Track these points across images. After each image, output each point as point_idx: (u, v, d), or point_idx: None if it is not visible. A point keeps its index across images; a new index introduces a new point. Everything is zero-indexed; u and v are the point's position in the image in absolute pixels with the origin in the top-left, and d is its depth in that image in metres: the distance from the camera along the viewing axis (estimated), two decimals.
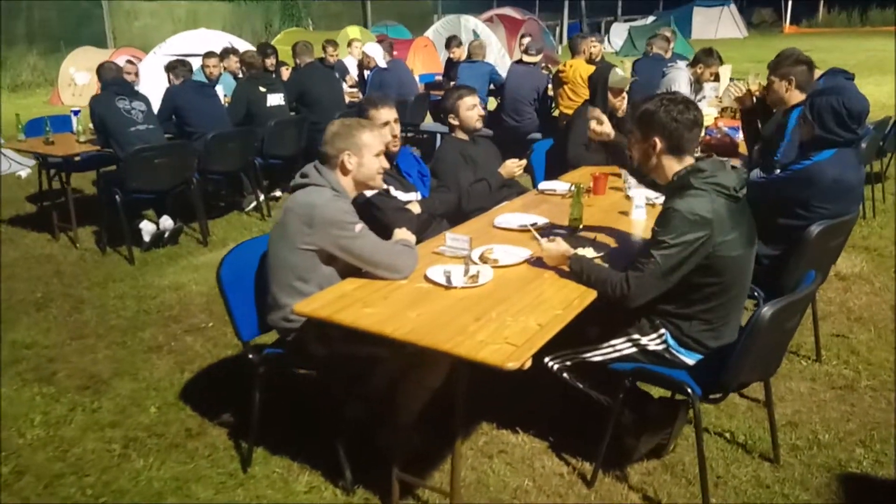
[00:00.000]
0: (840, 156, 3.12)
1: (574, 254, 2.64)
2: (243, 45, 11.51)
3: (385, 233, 2.94)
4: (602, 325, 2.69)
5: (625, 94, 4.59)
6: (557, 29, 28.57)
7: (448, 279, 2.55)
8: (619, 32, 25.19)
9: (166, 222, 5.59)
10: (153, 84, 8.68)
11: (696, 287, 2.46)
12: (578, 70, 7.08)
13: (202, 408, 3.30)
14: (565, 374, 2.76)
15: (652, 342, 2.59)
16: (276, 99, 6.42)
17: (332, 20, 23.75)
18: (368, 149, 2.65)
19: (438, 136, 8.17)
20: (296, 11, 22.83)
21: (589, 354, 2.69)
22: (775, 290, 3.29)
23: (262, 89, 6.37)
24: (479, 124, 3.97)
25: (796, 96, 4.00)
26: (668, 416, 2.85)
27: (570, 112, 6.95)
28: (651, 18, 25.53)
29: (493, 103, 8.52)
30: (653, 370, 2.58)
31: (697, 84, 6.13)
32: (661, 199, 3.16)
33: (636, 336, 2.61)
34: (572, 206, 3.14)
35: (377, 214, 3.24)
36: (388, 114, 3.30)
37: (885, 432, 3.08)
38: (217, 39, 11.25)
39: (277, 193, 6.95)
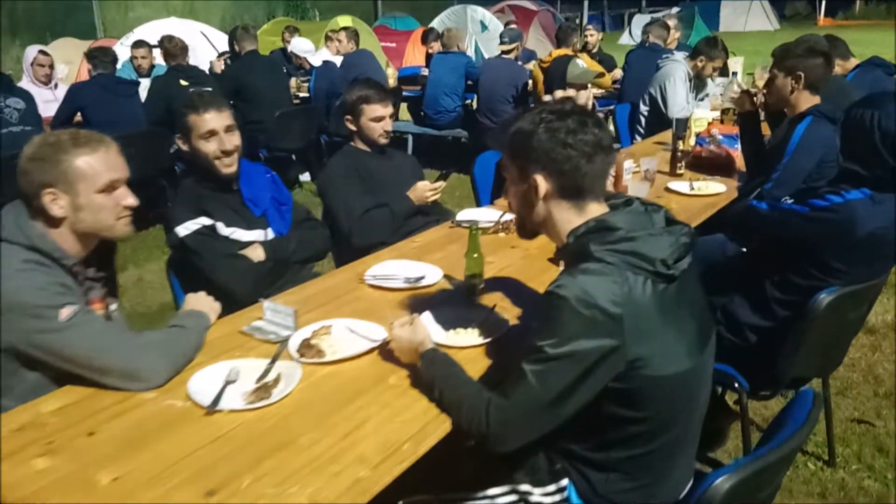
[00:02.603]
0: (880, 198, 2.09)
1: (428, 350, 1.67)
2: (221, 37, 10.69)
3: (208, 288, 2.03)
4: (480, 461, 1.72)
5: (589, 92, 3.60)
6: (578, 21, 27.39)
7: (219, 394, 1.59)
8: (640, 24, 23.91)
9: None
10: None
11: (611, 422, 1.48)
12: None
13: None
14: None
15: (547, 497, 1.61)
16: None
17: (341, 11, 22.78)
18: (88, 182, 1.69)
19: (410, 138, 7.23)
20: (301, 1, 21.91)
21: None
22: (765, 379, 2.30)
23: (184, 83, 5.46)
24: (382, 140, 3.00)
25: (806, 99, 2.98)
26: None
27: None
28: (675, 9, 24.16)
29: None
30: None
31: (698, 80, 5.07)
32: None
33: (525, 487, 1.62)
34: (467, 255, 2.16)
35: (196, 262, 2.31)
36: (214, 120, 2.35)
37: None
38: (189, 29, 10.41)
39: None
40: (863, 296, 2.15)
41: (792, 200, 2.18)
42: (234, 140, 2.38)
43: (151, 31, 10.47)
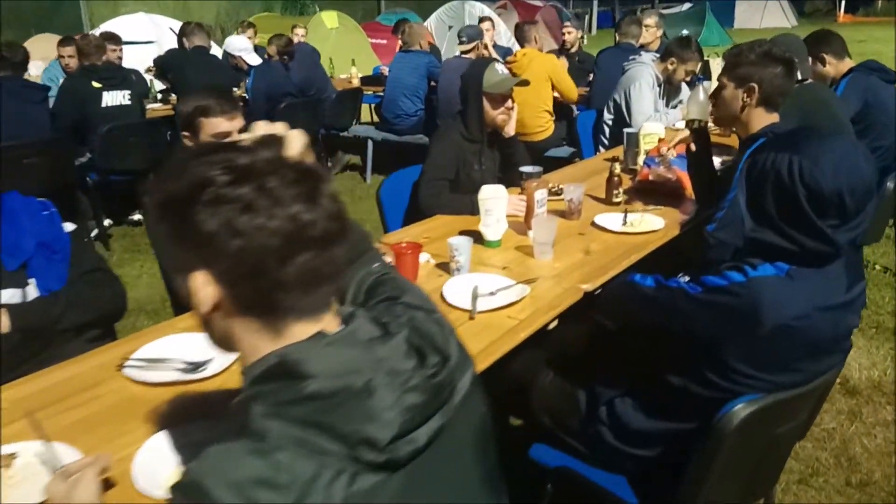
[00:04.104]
0: (801, 275, 1.47)
1: None
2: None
3: None
4: None
5: (512, 104, 3.00)
6: (587, 18, 26.58)
7: None
8: None
9: None
10: None
11: None
12: (536, 61, 5.47)
13: None
14: None
15: None
16: (115, 97, 4.96)
17: (342, 6, 22.22)
18: None
19: (370, 143, 6.64)
20: None
21: None
22: None
23: (96, 85, 4.91)
24: None
25: (760, 117, 2.38)
26: None
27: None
28: (687, 5, 23.32)
29: None
30: None
31: (669, 84, 4.46)
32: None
33: None
34: None
35: None
36: None
37: None
38: (157, 25, 9.91)
39: (135, 217, 5.47)
40: (797, 404, 1.54)
41: (688, 278, 1.56)
42: None
43: (118, 26, 10.00)
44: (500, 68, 2.95)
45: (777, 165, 1.42)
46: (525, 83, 3.01)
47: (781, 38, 3.36)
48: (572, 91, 5.60)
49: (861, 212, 1.39)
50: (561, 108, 5.79)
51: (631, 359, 1.75)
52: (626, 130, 3.52)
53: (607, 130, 4.62)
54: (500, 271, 2.28)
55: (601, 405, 1.74)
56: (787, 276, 1.44)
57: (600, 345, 1.91)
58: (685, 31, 21.00)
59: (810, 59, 3.47)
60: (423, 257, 2.34)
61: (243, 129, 2.45)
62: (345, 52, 10.72)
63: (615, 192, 2.91)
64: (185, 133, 2.42)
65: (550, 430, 1.85)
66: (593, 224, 2.68)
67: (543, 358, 2.00)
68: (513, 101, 2.99)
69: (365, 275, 1.16)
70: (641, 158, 3.24)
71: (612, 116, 4.58)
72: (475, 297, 2.02)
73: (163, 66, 5.88)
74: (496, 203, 2.45)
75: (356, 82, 7.27)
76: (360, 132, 6.80)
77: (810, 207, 1.38)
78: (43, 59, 12.50)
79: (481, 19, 7.03)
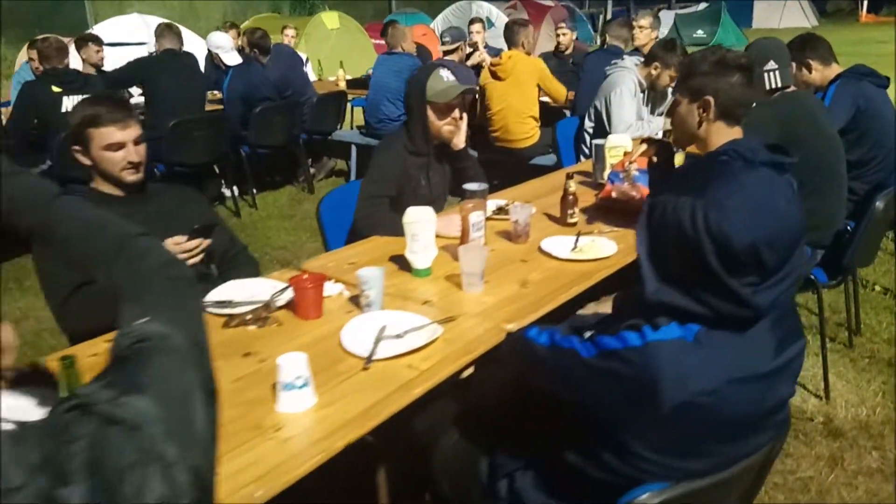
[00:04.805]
0: (713, 340, 1.19)
1: None
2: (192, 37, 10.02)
3: None
4: None
5: (459, 114, 2.74)
6: (601, 17, 26.13)
7: None
8: (666, 21, 22.68)
9: None
10: None
11: None
12: (521, 64, 5.20)
13: None
14: None
15: None
16: (76, 102, 4.75)
17: (350, 6, 22.03)
18: None
19: (354, 148, 6.39)
20: None
21: None
22: None
23: (56, 89, 4.72)
24: (128, 177, 2.20)
25: (720, 133, 2.10)
26: None
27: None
28: (703, 5, 22.82)
29: None
30: None
31: (652, 91, 4.17)
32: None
33: None
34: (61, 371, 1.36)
35: None
36: None
37: None
38: (150, 27, 9.74)
39: None
40: (719, 492, 1.26)
41: (589, 333, 1.29)
42: None
43: (112, 27, 9.86)
44: (446, 75, 2.69)
45: (678, 213, 1.15)
46: (471, 91, 2.75)
47: (762, 41, 3.07)
48: (560, 92, 5.36)
49: (788, 261, 1.12)
50: (547, 114, 5.52)
51: (533, 426, 1.48)
52: (594, 142, 3.24)
53: (588, 139, 4.34)
54: (419, 307, 2.02)
55: (501, 478, 1.48)
56: (696, 340, 1.16)
57: (515, 401, 1.64)
58: (700, 32, 20.54)
59: (794, 65, 3.17)
60: (336, 288, 2.10)
61: (140, 139, 2.23)
62: (345, 53, 10.53)
63: (570, 211, 2.63)
64: (76, 147, 2.20)
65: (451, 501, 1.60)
66: (539, 250, 2.41)
67: (453, 413, 1.73)
68: (461, 112, 2.74)
69: (123, 336, 0.84)
70: (606, 174, 2.97)
71: (592, 124, 4.30)
72: (378, 340, 1.77)
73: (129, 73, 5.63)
74: (423, 227, 2.19)
75: (343, 85, 7.04)
76: (343, 137, 6.56)
77: (721, 265, 1.11)
78: None
79: (472, 21, 6.75)
